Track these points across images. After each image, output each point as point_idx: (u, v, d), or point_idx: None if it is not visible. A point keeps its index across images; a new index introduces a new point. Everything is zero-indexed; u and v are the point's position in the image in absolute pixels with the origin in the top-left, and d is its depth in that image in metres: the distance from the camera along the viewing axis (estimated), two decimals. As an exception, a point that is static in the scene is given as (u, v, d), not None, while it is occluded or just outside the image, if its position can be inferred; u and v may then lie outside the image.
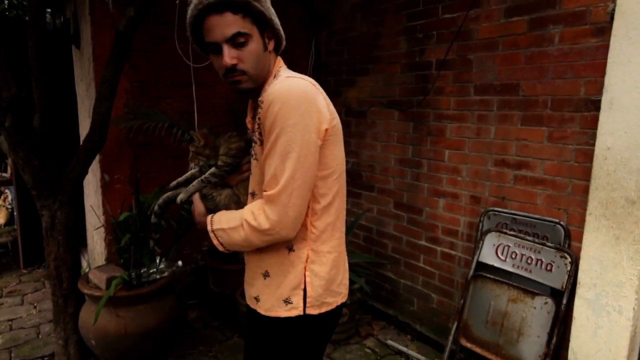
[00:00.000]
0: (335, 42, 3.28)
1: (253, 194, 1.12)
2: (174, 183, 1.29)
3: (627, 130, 1.60)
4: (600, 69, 1.81)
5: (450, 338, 2.29)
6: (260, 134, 1.04)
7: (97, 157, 2.55)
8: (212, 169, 1.17)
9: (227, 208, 1.15)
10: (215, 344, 2.66)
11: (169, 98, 2.84)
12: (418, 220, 2.78)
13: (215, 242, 1.12)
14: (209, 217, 1.13)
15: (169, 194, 1.27)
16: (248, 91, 1.09)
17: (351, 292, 2.60)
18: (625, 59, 1.59)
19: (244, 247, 1.09)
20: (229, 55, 1.01)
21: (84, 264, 3.21)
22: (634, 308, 1.63)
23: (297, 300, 1.10)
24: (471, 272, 2.28)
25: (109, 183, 2.65)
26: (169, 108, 2.80)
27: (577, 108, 1.97)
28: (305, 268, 1.09)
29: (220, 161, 1.16)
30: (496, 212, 2.29)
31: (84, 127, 2.81)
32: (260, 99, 1.05)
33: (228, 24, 1.00)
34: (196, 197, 1.18)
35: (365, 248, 3.19)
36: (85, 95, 2.75)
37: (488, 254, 2.24)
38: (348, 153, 3.26)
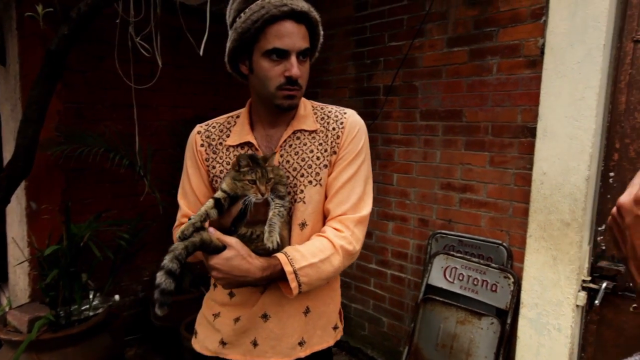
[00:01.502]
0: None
1: (303, 225, 1.06)
2: (196, 221, 0.94)
3: (559, 157, 1.70)
4: (534, 98, 1.92)
5: (403, 357, 2.28)
6: (329, 157, 1.07)
7: (23, 184, 2.33)
8: (280, 201, 0.99)
9: (282, 244, 0.99)
10: (157, 383, 2.47)
11: (108, 120, 2.68)
12: (368, 244, 2.78)
13: (293, 285, 0.96)
14: (282, 257, 0.97)
15: (205, 234, 0.94)
16: (294, 108, 1.08)
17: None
18: (556, 90, 1.70)
19: (329, 279, 1.06)
20: (298, 67, 1.00)
21: (4, 301, 2.89)
22: (571, 326, 1.70)
23: (339, 321, 1.17)
24: (421, 295, 2.30)
25: (36, 212, 2.42)
26: (107, 130, 2.63)
27: (515, 134, 2.08)
28: (339, 287, 1.16)
29: (281, 191, 1.00)
30: (443, 235, 2.34)
31: (8, 151, 2.56)
32: (339, 122, 1.09)
33: (303, 36, 1.00)
34: (234, 241, 0.96)
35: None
36: (10, 117, 2.52)
37: (437, 277, 2.28)
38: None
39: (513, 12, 2.04)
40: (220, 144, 1.13)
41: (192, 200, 1.14)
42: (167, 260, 0.92)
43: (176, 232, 1.06)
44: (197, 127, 1.17)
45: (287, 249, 0.99)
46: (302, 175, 1.06)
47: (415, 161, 2.50)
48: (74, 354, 2.01)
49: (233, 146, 1.11)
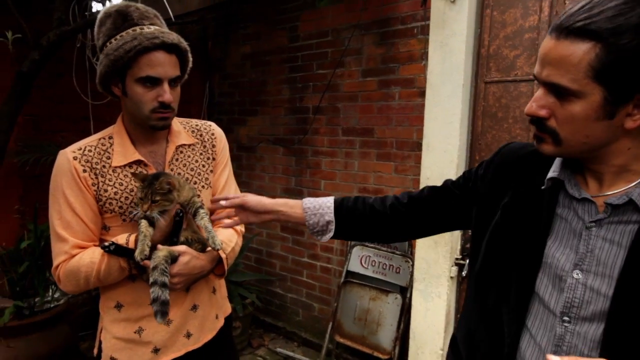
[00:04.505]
0: (228, 85, 3.69)
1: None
2: (146, 242, 1.07)
3: (437, 165, 2.27)
4: (423, 121, 2.50)
5: (327, 336, 2.75)
6: (211, 163, 1.29)
7: (-16, 189, 2.55)
8: (203, 210, 1.15)
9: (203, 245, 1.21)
10: (110, 369, 2.74)
11: (64, 132, 2.94)
12: (301, 241, 3.24)
13: (226, 267, 1.22)
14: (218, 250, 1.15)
15: (164, 249, 1.09)
16: (167, 127, 1.20)
17: (244, 306, 2.94)
18: (434, 116, 2.27)
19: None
20: (170, 92, 1.11)
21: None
22: (447, 293, 2.26)
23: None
24: (342, 280, 2.79)
25: (-5, 215, 2.64)
26: (63, 141, 2.89)
27: (412, 148, 2.64)
28: None
29: (198, 202, 1.17)
30: (360, 230, 2.86)
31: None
32: (211, 134, 1.32)
33: (174, 65, 1.11)
34: (184, 247, 1.14)
35: (256, 268, 3.54)
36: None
37: (355, 264, 2.78)
38: (240, 184, 3.62)
39: (409, 53, 2.62)
40: (104, 166, 1.15)
41: (79, 229, 1.13)
42: (157, 275, 1.04)
43: (64, 266, 1.12)
44: (69, 154, 1.14)
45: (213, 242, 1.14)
46: (195, 183, 1.25)
47: (338, 170, 3.01)
48: (37, 340, 2.27)
49: (121, 166, 1.16)
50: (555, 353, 0.78)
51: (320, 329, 3.12)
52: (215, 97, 3.78)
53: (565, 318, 0.77)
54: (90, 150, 1.15)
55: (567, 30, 0.67)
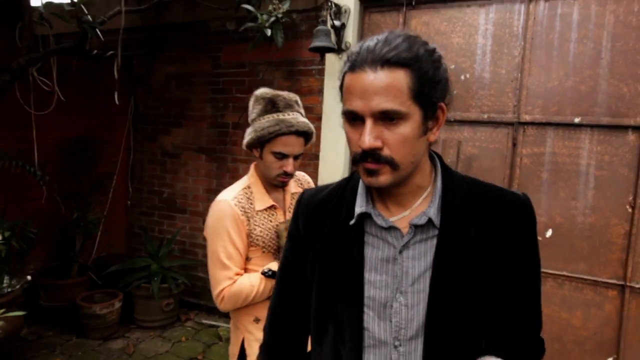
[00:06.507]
0: (152, 99, 4.22)
1: None
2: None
3: (329, 173, 3.23)
4: (320, 139, 3.45)
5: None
6: None
7: None
8: None
9: None
10: (57, 347, 3.15)
11: (8, 138, 3.24)
12: (221, 231, 3.95)
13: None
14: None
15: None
16: (286, 185, 1.58)
17: (177, 285, 3.57)
18: (327, 135, 3.24)
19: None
20: (292, 165, 1.46)
21: None
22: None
23: None
24: (259, 258, 3.59)
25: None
26: (5, 148, 3.19)
27: (311, 159, 3.57)
28: None
29: None
30: (272, 220, 3.70)
31: None
32: (306, 182, 1.73)
33: (300, 145, 1.47)
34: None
35: (180, 257, 4.14)
36: None
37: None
38: (164, 185, 4.20)
39: (309, 88, 3.55)
40: (251, 210, 1.46)
41: (238, 259, 1.43)
42: None
43: (229, 290, 1.40)
44: (229, 202, 1.45)
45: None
46: None
47: (254, 173, 3.81)
48: None
49: (262, 210, 1.48)
50: None
51: (238, 302, 3.87)
52: (140, 109, 4.27)
53: (397, 343, 0.81)
54: (240, 200, 1.47)
55: (381, 62, 0.71)
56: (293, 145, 1.42)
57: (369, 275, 0.83)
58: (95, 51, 3.44)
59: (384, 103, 0.72)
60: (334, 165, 3.22)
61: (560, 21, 2.70)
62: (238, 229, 1.42)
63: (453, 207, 0.82)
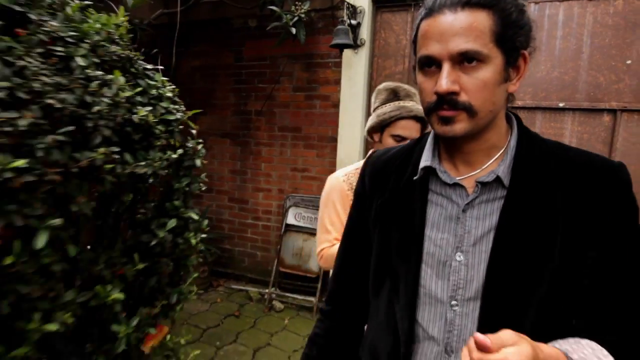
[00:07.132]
0: (179, 91, 4.60)
1: None
2: None
3: (348, 151, 3.68)
4: (337, 123, 3.90)
5: (274, 267, 4.00)
6: None
7: None
8: None
9: None
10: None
11: None
12: (246, 208, 4.41)
13: None
14: None
15: None
16: None
17: (211, 254, 4.02)
18: (345, 120, 3.68)
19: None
20: None
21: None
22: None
23: None
24: (282, 230, 4.06)
25: None
26: None
27: (329, 141, 4.02)
28: None
29: None
30: (293, 196, 4.16)
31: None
32: None
33: (417, 130, 1.51)
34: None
35: (209, 231, 4.58)
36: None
37: (291, 219, 4.07)
38: (191, 167, 4.61)
39: (326, 79, 3.98)
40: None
41: (339, 227, 1.52)
42: None
43: (327, 250, 1.51)
44: (340, 178, 1.57)
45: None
46: None
47: (275, 155, 4.25)
48: None
49: None
50: (447, 339, 0.79)
51: (262, 270, 4.35)
52: (167, 98, 4.66)
53: (454, 302, 0.78)
54: (352, 177, 1.57)
55: (462, 3, 0.69)
56: (411, 129, 1.50)
57: (429, 232, 0.82)
58: (142, 49, 3.80)
59: (463, 44, 0.69)
60: (350, 147, 3.67)
61: (548, 21, 3.16)
62: (343, 202, 1.54)
63: (526, 168, 0.77)
